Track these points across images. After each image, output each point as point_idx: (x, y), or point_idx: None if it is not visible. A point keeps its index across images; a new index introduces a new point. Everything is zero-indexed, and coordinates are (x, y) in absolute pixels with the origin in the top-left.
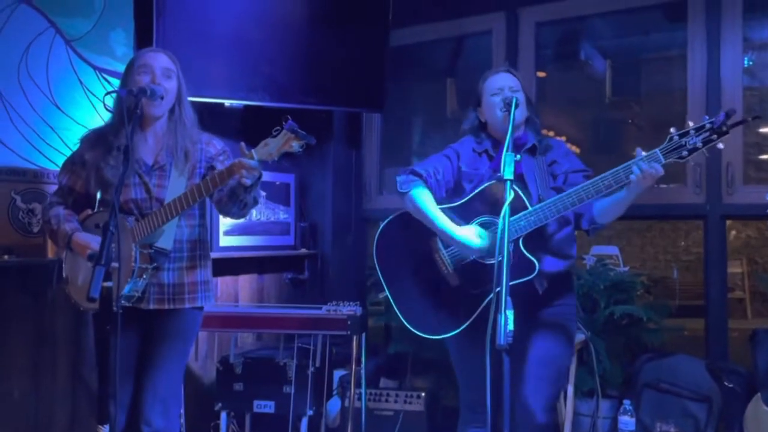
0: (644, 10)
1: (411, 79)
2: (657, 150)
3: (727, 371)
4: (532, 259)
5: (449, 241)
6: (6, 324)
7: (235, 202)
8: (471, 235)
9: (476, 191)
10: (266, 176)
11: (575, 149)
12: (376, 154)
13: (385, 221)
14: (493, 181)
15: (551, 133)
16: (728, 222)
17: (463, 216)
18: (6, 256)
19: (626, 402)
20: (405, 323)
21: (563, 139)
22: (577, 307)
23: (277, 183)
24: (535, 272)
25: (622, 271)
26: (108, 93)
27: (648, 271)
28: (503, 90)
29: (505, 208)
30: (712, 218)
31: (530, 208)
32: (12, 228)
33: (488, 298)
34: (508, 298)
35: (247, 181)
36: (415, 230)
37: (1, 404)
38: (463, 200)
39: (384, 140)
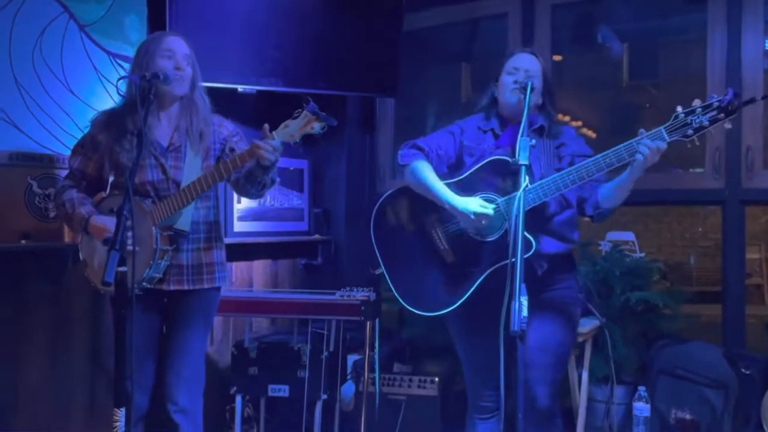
0: None
1: (425, 63)
2: (661, 128)
3: (744, 358)
4: (529, 237)
5: (451, 210)
6: (24, 308)
7: (253, 183)
8: (474, 203)
9: (478, 166)
10: (280, 162)
11: (592, 134)
12: (390, 139)
13: (383, 196)
14: (494, 157)
15: (567, 118)
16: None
17: (463, 190)
18: (23, 241)
19: (641, 388)
20: (399, 299)
21: (579, 123)
22: (580, 289)
23: (291, 169)
24: (532, 251)
25: (638, 257)
26: (121, 78)
27: (664, 256)
28: (518, 71)
29: (520, 194)
30: (730, 203)
31: (528, 186)
32: (29, 213)
33: (484, 275)
34: (522, 285)
35: (267, 162)
36: (412, 206)
37: (19, 387)
38: (464, 175)
39: (398, 125)
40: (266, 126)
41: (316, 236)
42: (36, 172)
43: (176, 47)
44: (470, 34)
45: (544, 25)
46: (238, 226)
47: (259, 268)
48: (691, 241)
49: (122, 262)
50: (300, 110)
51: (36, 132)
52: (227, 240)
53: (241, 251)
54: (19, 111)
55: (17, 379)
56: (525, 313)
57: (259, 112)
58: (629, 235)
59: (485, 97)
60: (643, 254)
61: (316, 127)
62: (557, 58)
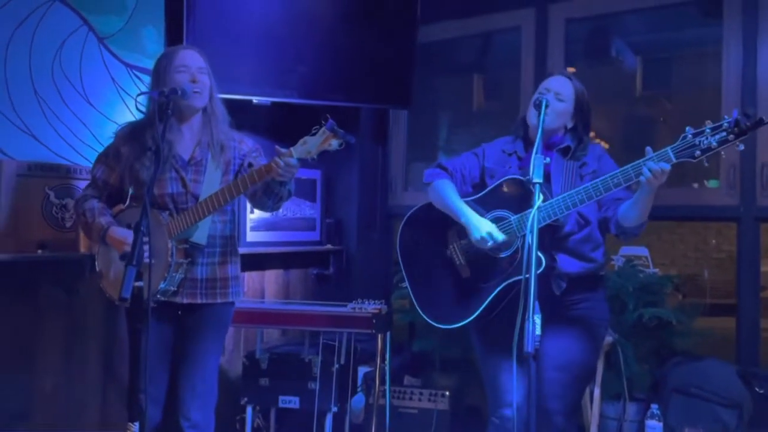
0: (678, 6)
1: (438, 75)
2: (668, 149)
3: (759, 377)
4: (539, 254)
5: (468, 228)
6: (39, 317)
7: (270, 196)
8: (487, 225)
9: (494, 184)
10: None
11: (605, 145)
12: (402, 150)
13: (410, 211)
14: (509, 177)
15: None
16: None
17: (481, 209)
18: (40, 251)
19: (654, 406)
20: (419, 310)
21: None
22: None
23: (304, 178)
24: (542, 268)
25: (652, 273)
26: (140, 94)
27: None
28: (549, 92)
29: (533, 212)
30: (745, 220)
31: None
32: (46, 223)
33: (497, 290)
34: (536, 303)
35: (284, 178)
36: (434, 221)
37: (33, 396)
38: (481, 194)
39: (410, 136)
40: (277, 148)
41: (328, 246)
42: (53, 183)
43: (190, 61)
44: (483, 47)
45: (557, 39)
46: (251, 236)
47: (271, 277)
48: (705, 253)
49: (138, 276)
50: (318, 127)
51: (54, 142)
52: (240, 250)
53: (254, 261)
54: (38, 122)
55: (32, 386)
56: (538, 331)
57: (273, 124)
58: (643, 250)
59: (517, 119)
60: (656, 270)
61: (334, 143)
62: (571, 70)
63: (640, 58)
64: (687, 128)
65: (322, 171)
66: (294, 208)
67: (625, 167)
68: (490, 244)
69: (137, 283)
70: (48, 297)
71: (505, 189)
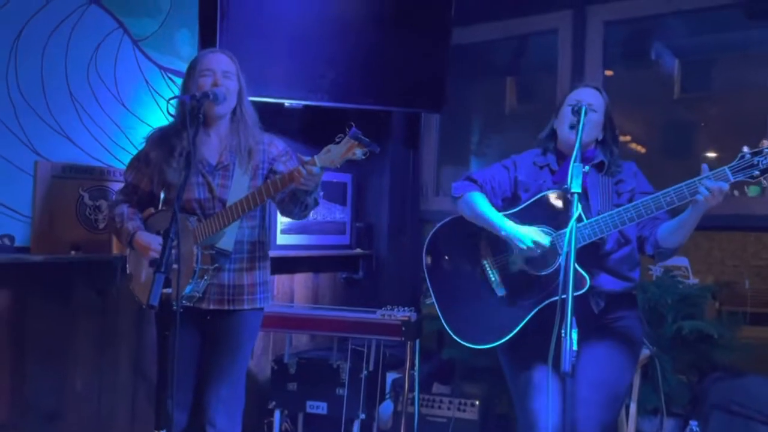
0: (721, 8)
1: (470, 77)
2: (726, 168)
3: None
4: (584, 273)
5: (506, 238)
6: (72, 318)
7: (296, 204)
8: (532, 231)
9: (534, 199)
10: (323, 175)
11: (641, 149)
12: (434, 154)
13: (436, 226)
14: (552, 191)
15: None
16: None
17: (518, 223)
18: (73, 252)
19: (693, 423)
20: (448, 330)
21: (627, 138)
22: (642, 323)
23: (334, 182)
24: (586, 288)
25: (691, 284)
26: (171, 99)
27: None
28: (580, 102)
29: (572, 224)
30: None
31: (585, 221)
32: (79, 224)
33: (535, 310)
34: (573, 318)
35: (307, 187)
36: (465, 236)
37: (64, 396)
38: (519, 207)
39: (442, 140)
40: (300, 156)
41: (358, 250)
42: (87, 184)
43: (215, 65)
44: (517, 49)
45: (595, 41)
46: (281, 239)
47: (300, 281)
48: (743, 261)
49: (167, 283)
50: (342, 135)
51: (88, 144)
52: (270, 253)
53: (284, 264)
54: (73, 124)
55: (63, 387)
56: (575, 347)
57: (305, 127)
58: (682, 260)
59: (544, 131)
60: (696, 281)
61: (358, 152)
62: (609, 73)
63: (678, 61)
64: (744, 148)
65: (353, 175)
66: (324, 212)
67: (679, 185)
68: (540, 251)
69: (165, 290)
70: (80, 298)
71: (544, 204)
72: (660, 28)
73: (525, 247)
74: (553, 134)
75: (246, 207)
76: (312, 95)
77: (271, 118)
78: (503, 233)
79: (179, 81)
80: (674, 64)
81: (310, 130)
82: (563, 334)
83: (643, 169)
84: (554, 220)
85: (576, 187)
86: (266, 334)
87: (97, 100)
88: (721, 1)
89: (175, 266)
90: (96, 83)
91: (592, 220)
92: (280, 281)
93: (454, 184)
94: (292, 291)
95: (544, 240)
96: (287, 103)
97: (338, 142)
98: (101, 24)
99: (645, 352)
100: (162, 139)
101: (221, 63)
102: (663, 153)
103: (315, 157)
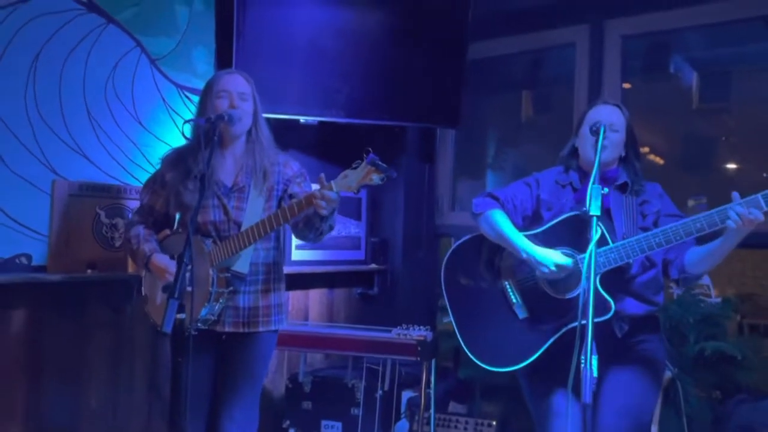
0: (741, 21)
1: (486, 91)
2: (759, 195)
3: None
4: (608, 298)
5: (528, 260)
6: (87, 336)
7: (311, 230)
8: (555, 254)
9: (557, 220)
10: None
11: (659, 161)
12: (449, 168)
13: (455, 245)
14: (576, 212)
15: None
16: None
17: (541, 244)
18: (89, 271)
19: None
20: (467, 352)
21: (646, 150)
22: (665, 345)
23: (349, 197)
24: (610, 313)
25: (714, 302)
26: (186, 122)
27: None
28: (600, 123)
29: (591, 247)
30: None
31: (611, 245)
32: (96, 242)
33: (558, 335)
34: (593, 344)
35: (324, 212)
36: (485, 256)
37: (80, 414)
38: (542, 228)
39: (457, 154)
40: (322, 175)
41: (373, 266)
42: (104, 203)
43: (231, 87)
44: (535, 63)
45: (613, 55)
46: (296, 255)
47: (315, 297)
48: (765, 272)
49: (181, 308)
50: (359, 161)
51: (105, 162)
52: (285, 269)
53: (298, 280)
54: (90, 142)
55: (79, 403)
56: (595, 374)
57: (321, 143)
58: (704, 279)
59: (566, 148)
60: (718, 299)
61: (375, 178)
62: (626, 85)
63: (696, 73)
64: None
65: (368, 189)
66: (339, 227)
67: (710, 211)
68: (563, 274)
69: (179, 315)
70: (96, 316)
71: (567, 225)
72: (678, 40)
73: (547, 271)
74: (574, 152)
75: (262, 231)
76: (327, 111)
77: (287, 135)
78: (524, 256)
79: (195, 99)
80: (692, 77)
81: (326, 146)
82: (582, 362)
83: (662, 181)
84: (578, 241)
85: (595, 210)
86: (281, 351)
87: (114, 119)
88: (739, 15)
89: (189, 289)
90: (113, 102)
91: (619, 244)
92: (295, 297)
93: (474, 200)
94: (306, 307)
95: (566, 262)
96: (302, 119)
97: (355, 168)
98: (119, 43)
99: (666, 374)
100: (178, 160)
101: (238, 84)
102: (681, 165)
103: (332, 182)
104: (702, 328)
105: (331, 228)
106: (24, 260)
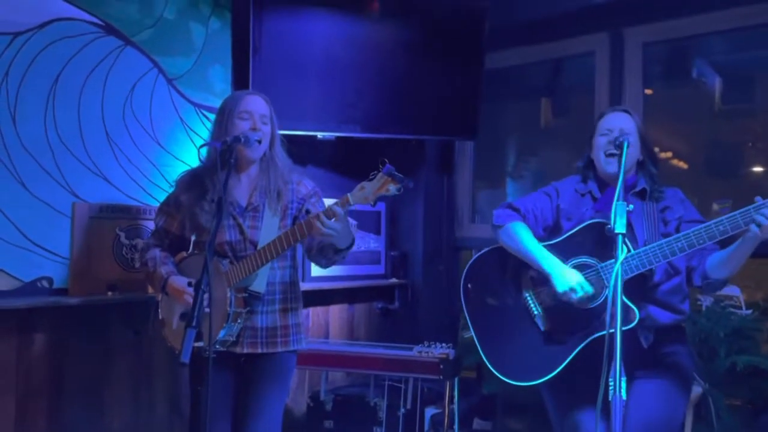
0: (763, 26)
1: (505, 100)
2: None
3: None
4: (633, 307)
5: (552, 278)
6: (109, 357)
7: (324, 257)
8: (575, 276)
9: (575, 229)
10: (356, 205)
11: (683, 165)
12: (468, 180)
13: (474, 257)
14: (593, 221)
15: (655, 149)
16: None
17: (561, 254)
18: (110, 293)
19: None
20: (489, 366)
21: (668, 154)
22: (693, 358)
23: (368, 211)
24: (635, 322)
25: (744, 315)
26: (203, 145)
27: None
28: (612, 131)
29: (617, 267)
30: None
31: (632, 252)
32: (116, 264)
33: (581, 345)
34: (622, 364)
35: (326, 231)
36: (505, 267)
37: None
38: (562, 237)
39: (476, 165)
40: (323, 214)
41: (393, 280)
42: (124, 224)
43: (253, 108)
44: (554, 71)
45: (634, 63)
46: (316, 271)
47: (335, 312)
48: None
49: (198, 336)
50: (376, 172)
51: (124, 183)
52: (305, 286)
53: (319, 296)
54: (110, 164)
55: (101, 426)
56: (624, 396)
57: (338, 157)
58: (734, 290)
59: (581, 159)
60: (749, 311)
61: (392, 188)
62: (648, 91)
63: (719, 78)
64: None
65: (387, 203)
66: (358, 241)
67: (733, 213)
68: (578, 296)
69: (197, 344)
70: (117, 338)
71: (587, 234)
72: (700, 45)
73: (566, 290)
74: (590, 162)
75: (279, 249)
76: (344, 126)
77: (305, 151)
78: (544, 270)
79: (212, 117)
80: (716, 81)
81: (344, 161)
82: (611, 385)
83: (687, 186)
84: (599, 250)
85: (620, 228)
86: (302, 369)
87: (132, 140)
88: (761, 20)
89: (207, 310)
90: (131, 123)
91: (641, 250)
92: (315, 313)
93: (495, 212)
94: (327, 323)
95: (587, 288)
96: (320, 135)
97: (372, 179)
98: (136, 65)
99: (697, 390)
100: (192, 182)
101: (260, 106)
102: (705, 169)
103: (348, 195)
104: (733, 341)
105: (343, 258)
106: (45, 283)
